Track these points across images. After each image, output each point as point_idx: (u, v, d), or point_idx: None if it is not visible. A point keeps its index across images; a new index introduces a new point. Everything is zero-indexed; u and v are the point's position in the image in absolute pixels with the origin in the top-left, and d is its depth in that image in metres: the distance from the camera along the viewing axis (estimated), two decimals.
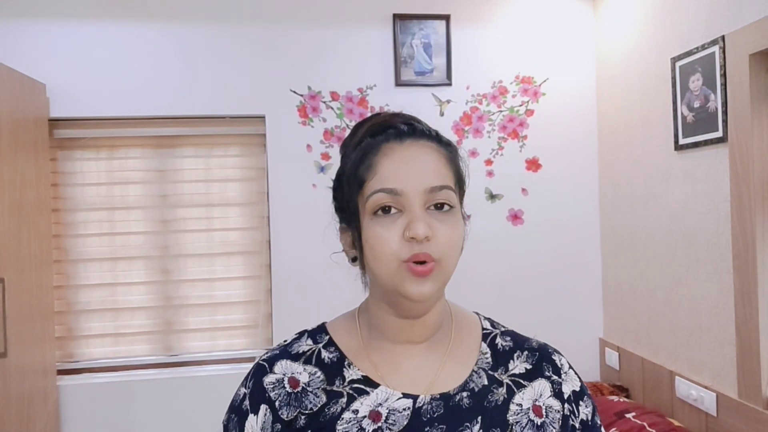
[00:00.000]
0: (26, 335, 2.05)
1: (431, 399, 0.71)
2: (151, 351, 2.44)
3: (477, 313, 0.84)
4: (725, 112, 1.76)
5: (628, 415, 1.98)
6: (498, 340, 0.79)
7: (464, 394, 0.72)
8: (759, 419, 1.65)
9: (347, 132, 2.44)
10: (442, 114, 2.51)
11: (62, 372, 2.33)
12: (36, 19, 2.30)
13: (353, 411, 0.70)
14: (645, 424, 1.90)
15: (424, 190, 0.68)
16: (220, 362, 2.44)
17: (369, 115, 0.80)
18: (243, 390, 0.75)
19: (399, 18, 2.47)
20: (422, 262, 0.67)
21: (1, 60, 2.03)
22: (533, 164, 2.58)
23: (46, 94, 2.27)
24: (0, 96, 1.95)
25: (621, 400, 2.15)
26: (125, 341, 2.43)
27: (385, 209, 0.68)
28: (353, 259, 0.76)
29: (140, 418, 2.32)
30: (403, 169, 0.69)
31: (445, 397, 0.72)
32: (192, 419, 2.29)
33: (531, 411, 0.73)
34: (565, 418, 0.75)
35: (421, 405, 0.70)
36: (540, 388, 0.75)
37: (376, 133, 0.73)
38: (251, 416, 0.72)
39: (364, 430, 0.69)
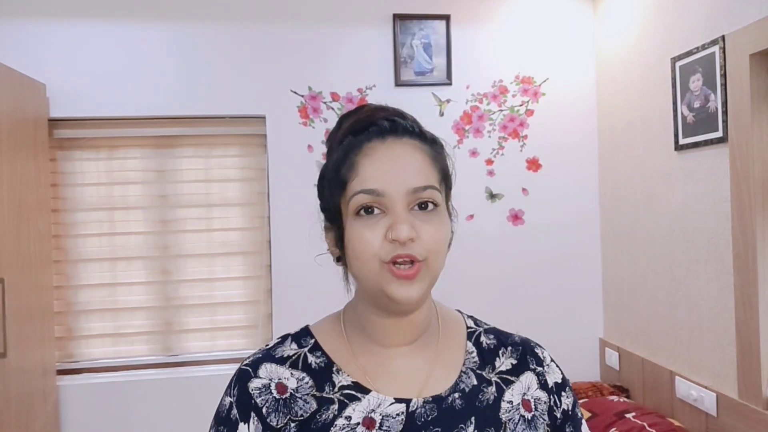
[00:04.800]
0: (26, 335, 2.05)
1: (424, 402, 0.70)
2: (150, 351, 2.44)
3: (459, 311, 0.83)
4: (725, 112, 1.76)
5: (628, 416, 1.97)
6: (482, 338, 0.79)
7: (456, 395, 0.72)
8: (759, 420, 1.65)
9: None
10: (441, 114, 2.50)
11: (62, 372, 2.33)
12: (36, 19, 2.30)
13: (346, 417, 0.69)
14: (645, 424, 1.90)
15: (406, 190, 0.67)
16: (220, 362, 2.44)
17: (354, 108, 0.77)
18: (228, 399, 0.72)
19: (399, 18, 2.47)
20: (407, 264, 0.66)
21: (1, 60, 2.03)
22: (533, 164, 2.58)
23: (46, 94, 2.27)
24: (0, 96, 1.95)
25: (621, 400, 2.15)
26: (125, 341, 2.43)
27: (368, 210, 0.67)
28: (338, 259, 0.75)
29: (140, 418, 2.32)
30: (385, 170, 0.67)
31: (438, 400, 0.71)
32: (192, 419, 2.29)
33: (521, 407, 0.74)
34: (550, 409, 0.76)
35: (414, 409, 0.70)
36: (527, 381, 0.76)
37: (358, 131, 0.71)
38: (242, 425, 0.69)
39: None
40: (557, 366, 0.80)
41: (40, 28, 2.30)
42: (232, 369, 2.45)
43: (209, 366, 2.42)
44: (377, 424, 0.68)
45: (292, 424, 0.69)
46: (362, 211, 0.67)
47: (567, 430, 0.76)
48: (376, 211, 0.67)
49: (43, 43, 2.30)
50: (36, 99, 2.20)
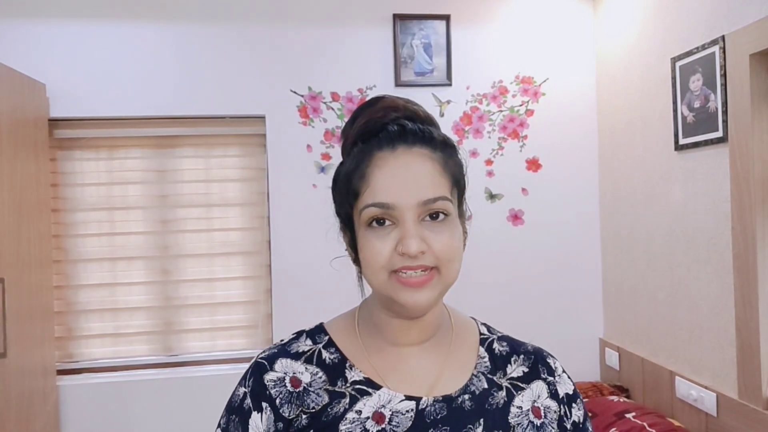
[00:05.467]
0: (26, 335, 2.05)
1: (434, 401, 0.71)
2: (150, 351, 2.44)
3: (474, 319, 0.84)
4: (725, 112, 1.76)
5: (628, 416, 1.97)
6: (495, 345, 0.80)
7: (466, 396, 0.73)
8: (759, 419, 1.65)
9: None
10: (442, 114, 2.51)
11: (62, 372, 2.33)
12: (36, 19, 2.30)
13: (356, 411, 0.70)
14: (645, 424, 1.90)
15: (417, 203, 0.67)
16: (219, 362, 2.44)
17: (369, 99, 0.77)
18: (242, 389, 0.74)
19: (399, 18, 2.47)
20: (418, 272, 0.67)
21: (1, 60, 2.03)
22: (533, 164, 2.58)
23: (46, 94, 2.27)
24: (0, 96, 1.95)
25: (621, 400, 2.15)
26: (125, 341, 2.43)
27: (379, 221, 0.68)
28: (354, 260, 0.76)
29: (140, 418, 2.32)
30: (395, 182, 0.68)
31: (448, 399, 0.72)
32: (192, 419, 2.29)
33: (531, 412, 0.74)
34: (560, 419, 0.76)
35: (424, 407, 0.71)
36: (538, 389, 0.77)
37: (368, 136, 0.72)
38: (254, 414, 0.71)
39: (368, 431, 0.69)
40: (569, 377, 0.81)
41: (40, 28, 2.30)
42: (232, 369, 2.45)
43: (209, 366, 2.42)
44: (387, 419, 0.69)
45: (304, 416, 0.70)
46: (374, 222, 0.69)
47: None
48: (386, 222, 0.68)
49: (43, 43, 2.30)
50: (36, 99, 2.20)
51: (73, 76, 2.31)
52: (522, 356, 0.79)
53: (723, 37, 1.76)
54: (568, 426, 0.76)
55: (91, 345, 2.41)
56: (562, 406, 0.77)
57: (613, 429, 1.93)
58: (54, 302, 2.31)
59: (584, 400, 2.20)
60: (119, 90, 2.34)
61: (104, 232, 2.42)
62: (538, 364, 0.79)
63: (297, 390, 0.72)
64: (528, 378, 0.77)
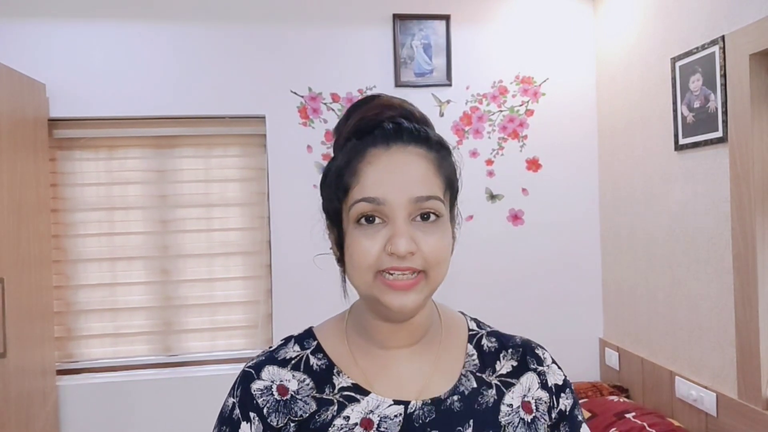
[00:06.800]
0: (26, 335, 2.04)
1: (422, 404, 0.70)
2: (150, 351, 2.44)
3: (463, 313, 0.83)
4: (725, 113, 1.76)
5: (628, 416, 1.97)
6: (484, 341, 0.79)
7: (455, 397, 0.72)
8: (759, 420, 1.65)
9: None
10: (441, 114, 2.51)
11: (62, 372, 2.33)
12: (36, 19, 2.30)
13: (344, 417, 0.69)
14: (645, 424, 1.90)
15: (408, 200, 0.65)
16: (219, 362, 2.44)
17: (364, 96, 0.76)
18: (231, 399, 0.73)
19: (399, 18, 2.47)
20: (405, 274, 0.65)
21: (1, 60, 2.03)
22: (533, 164, 2.58)
23: (45, 94, 2.27)
24: (0, 96, 1.95)
25: (621, 400, 2.15)
26: (125, 341, 2.43)
27: (369, 218, 0.66)
28: (338, 260, 0.74)
29: (140, 419, 2.32)
30: (387, 178, 0.66)
31: (437, 402, 0.71)
32: (191, 419, 2.29)
33: (521, 409, 0.73)
34: (549, 409, 0.76)
35: (412, 411, 0.70)
36: (528, 382, 0.76)
37: (362, 133, 0.70)
38: (243, 425, 0.71)
39: None
40: (558, 367, 0.80)
41: (40, 28, 2.30)
42: (231, 369, 2.45)
43: (209, 366, 2.42)
44: (375, 425, 0.69)
45: (292, 425, 0.70)
46: (363, 219, 0.67)
47: (562, 430, 0.76)
48: (376, 220, 0.66)
49: (43, 43, 2.30)
50: (36, 99, 2.20)
51: (73, 76, 2.31)
52: (510, 350, 0.78)
53: (723, 37, 1.76)
54: (554, 414, 0.76)
55: (90, 345, 2.41)
56: (552, 397, 0.76)
57: (613, 429, 1.93)
58: (54, 302, 2.31)
59: (584, 400, 2.20)
60: (119, 90, 2.34)
61: (104, 232, 2.42)
62: (527, 356, 0.78)
63: (284, 398, 0.71)
64: (517, 372, 0.76)
